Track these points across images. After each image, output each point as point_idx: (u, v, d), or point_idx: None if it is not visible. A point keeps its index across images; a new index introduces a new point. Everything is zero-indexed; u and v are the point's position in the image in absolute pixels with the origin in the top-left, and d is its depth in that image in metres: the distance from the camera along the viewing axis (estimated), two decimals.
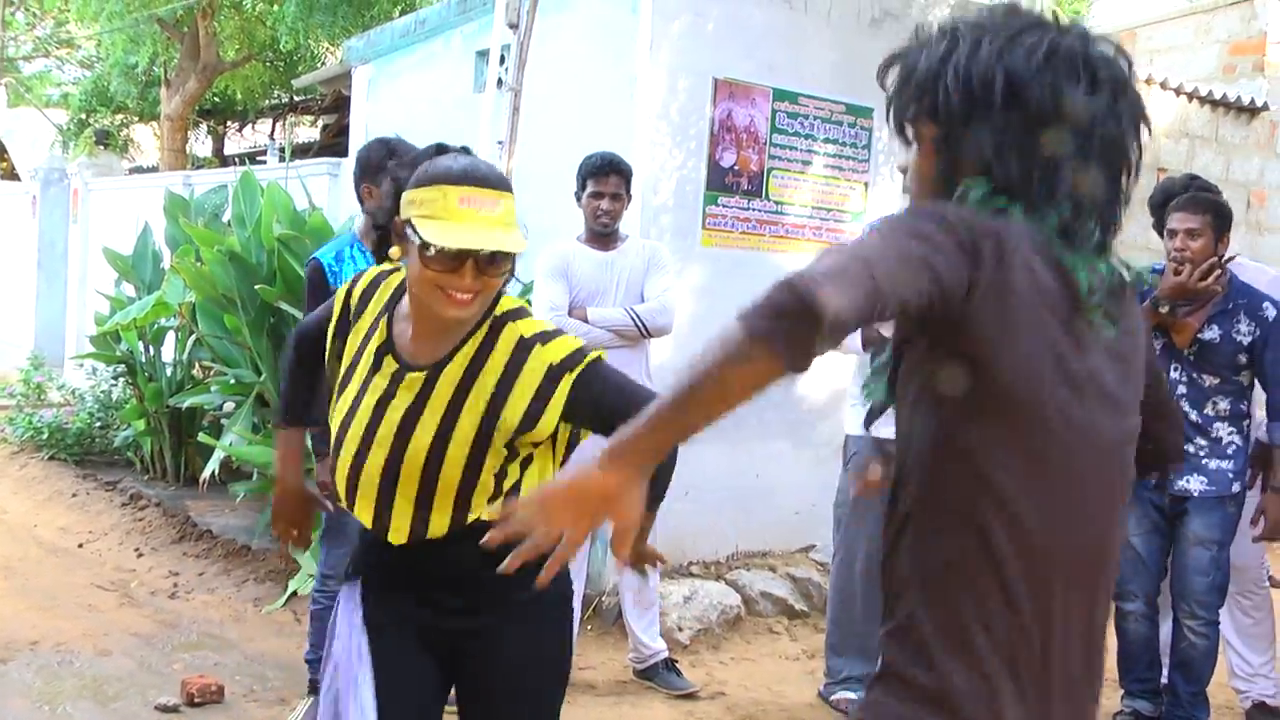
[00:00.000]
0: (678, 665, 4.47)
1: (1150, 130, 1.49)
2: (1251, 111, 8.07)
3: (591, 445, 1.84)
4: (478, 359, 2.04)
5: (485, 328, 2.06)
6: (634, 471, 1.34)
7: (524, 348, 2.04)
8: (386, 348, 2.09)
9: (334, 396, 2.16)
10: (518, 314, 2.10)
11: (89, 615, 4.94)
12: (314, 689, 3.80)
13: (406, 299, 2.10)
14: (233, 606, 5.16)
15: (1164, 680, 4.03)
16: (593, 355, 2.06)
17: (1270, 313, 3.80)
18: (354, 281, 2.20)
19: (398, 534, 2.06)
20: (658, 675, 4.39)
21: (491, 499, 2.03)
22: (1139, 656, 3.99)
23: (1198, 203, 3.85)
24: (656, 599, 4.53)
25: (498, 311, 2.08)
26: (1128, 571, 3.90)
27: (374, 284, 2.18)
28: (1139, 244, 7.36)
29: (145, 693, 4.10)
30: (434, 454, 2.00)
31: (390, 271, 2.18)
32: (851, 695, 4.14)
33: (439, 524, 2.03)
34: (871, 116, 5.77)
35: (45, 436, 8.02)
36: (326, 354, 2.24)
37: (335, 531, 3.78)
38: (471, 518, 2.02)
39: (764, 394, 1.26)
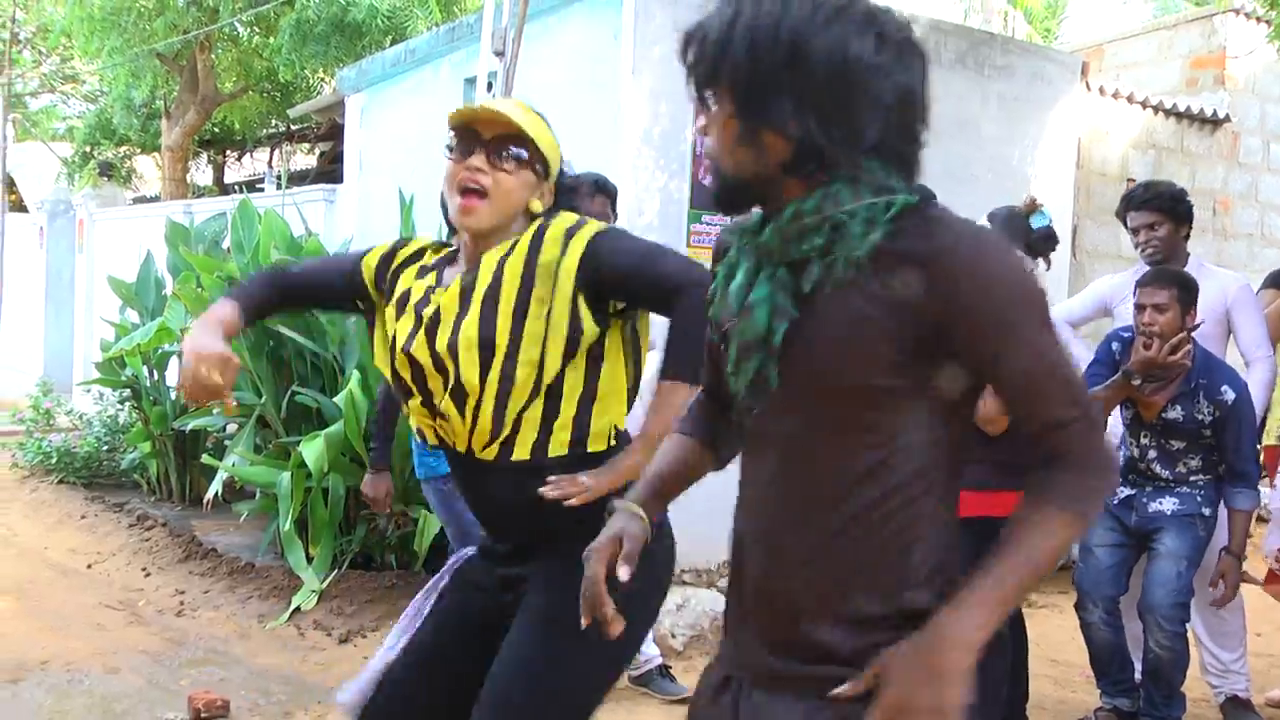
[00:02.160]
0: (672, 671, 4.53)
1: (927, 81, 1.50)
2: (1214, 123, 8.27)
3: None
4: (510, 256, 2.04)
5: (525, 233, 2.06)
6: (976, 642, 1.35)
7: (540, 231, 2.04)
8: (433, 281, 2.14)
9: (385, 335, 2.19)
10: (554, 215, 2.08)
11: (98, 634, 5.04)
12: None
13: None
14: (238, 623, 5.27)
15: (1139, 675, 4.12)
16: (595, 227, 2.04)
17: (1229, 396, 3.84)
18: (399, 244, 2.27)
19: (462, 439, 2.08)
20: (652, 681, 4.45)
21: (548, 406, 2.04)
22: (1109, 660, 4.07)
23: (1162, 276, 3.87)
24: None
25: (536, 225, 2.06)
26: (1088, 580, 4.00)
27: (420, 251, 2.25)
28: (1110, 252, 7.53)
29: (153, 709, 4.17)
30: (484, 352, 2.01)
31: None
32: None
33: (486, 416, 2.03)
34: None
35: (54, 461, 8.18)
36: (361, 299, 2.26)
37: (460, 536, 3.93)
38: (515, 407, 2.03)
39: None
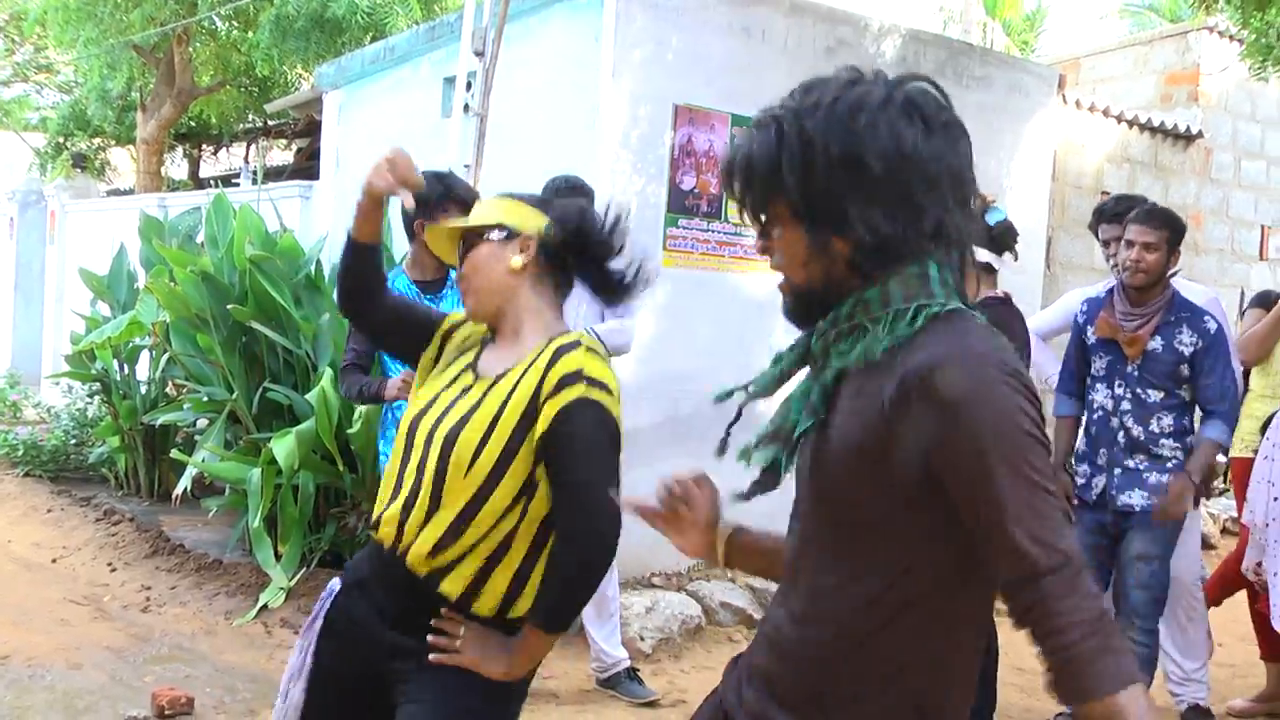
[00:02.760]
0: (639, 674, 4.54)
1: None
2: (1187, 139, 8.37)
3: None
4: (527, 374, 2.07)
5: (548, 349, 2.07)
6: None
7: (555, 359, 2.05)
8: (470, 359, 2.20)
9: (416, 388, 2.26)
10: (579, 347, 2.07)
11: (61, 629, 4.99)
12: None
13: None
14: (204, 620, 5.23)
15: None
16: (584, 392, 2.02)
17: (1212, 325, 3.94)
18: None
19: (413, 539, 2.06)
20: (620, 684, 4.46)
21: (495, 525, 2.04)
22: None
23: (1156, 216, 3.99)
24: (618, 609, 4.61)
25: (566, 342, 2.07)
26: None
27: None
28: (1084, 263, 7.59)
29: (116, 705, 4.14)
30: (476, 452, 2.02)
31: None
32: None
33: (440, 528, 2.04)
34: None
35: (21, 453, 8.09)
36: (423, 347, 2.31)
37: None
38: (471, 538, 2.03)
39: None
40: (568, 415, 2.00)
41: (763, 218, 1.51)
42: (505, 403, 2.04)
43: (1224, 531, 7.49)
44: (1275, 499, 3.89)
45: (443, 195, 3.73)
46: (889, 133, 1.41)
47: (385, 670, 2.10)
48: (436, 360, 2.28)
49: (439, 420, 2.09)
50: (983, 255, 3.70)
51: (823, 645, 1.46)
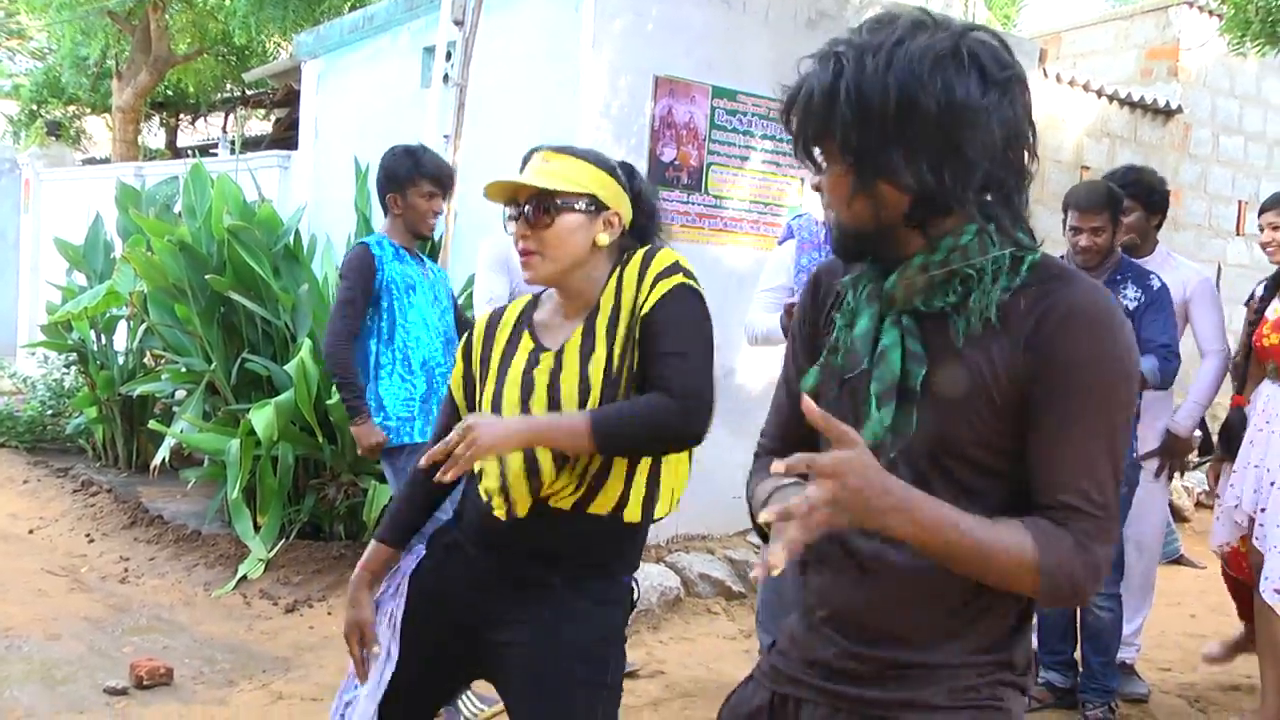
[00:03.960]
0: None
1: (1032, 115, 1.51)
2: (1167, 114, 8.40)
3: None
4: (592, 318, 2.10)
5: (633, 261, 2.10)
6: (892, 527, 1.31)
7: (620, 276, 2.09)
8: (524, 332, 2.19)
9: (478, 394, 2.22)
10: (664, 248, 2.13)
11: (39, 600, 4.99)
12: None
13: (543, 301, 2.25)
14: (183, 590, 5.23)
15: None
16: (683, 280, 2.07)
17: (1155, 282, 4.01)
18: (472, 330, 2.31)
19: (521, 503, 2.07)
20: None
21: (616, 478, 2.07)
22: (1054, 627, 4.19)
23: (1096, 199, 4.02)
24: None
25: (648, 249, 2.12)
26: None
27: (496, 316, 2.28)
28: (1063, 239, 7.62)
29: (94, 675, 4.14)
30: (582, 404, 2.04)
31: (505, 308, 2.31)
32: None
33: (563, 489, 2.06)
34: None
35: None
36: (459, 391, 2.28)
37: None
38: (584, 494, 2.06)
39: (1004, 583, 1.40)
40: (671, 298, 2.04)
41: (816, 153, 1.50)
42: (610, 335, 2.07)
43: (1198, 505, 7.57)
44: (1272, 484, 3.88)
45: (411, 169, 3.85)
46: (946, 82, 1.40)
47: (470, 606, 2.14)
48: (468, 374, 2.26)
49: (531, 385, 2.09)
50: None
51: (934, 571, 1.44)
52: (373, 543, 2.26)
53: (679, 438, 2.03)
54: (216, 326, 6.01)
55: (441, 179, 3.94)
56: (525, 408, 2.08)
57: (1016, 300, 1.43)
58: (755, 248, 5.85)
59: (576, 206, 2.09)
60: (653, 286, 2.05)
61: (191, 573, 5.44)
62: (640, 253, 2.11)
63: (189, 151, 11.08)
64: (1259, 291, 4.04)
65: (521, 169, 2.21)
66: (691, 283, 2.08)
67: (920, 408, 1.46)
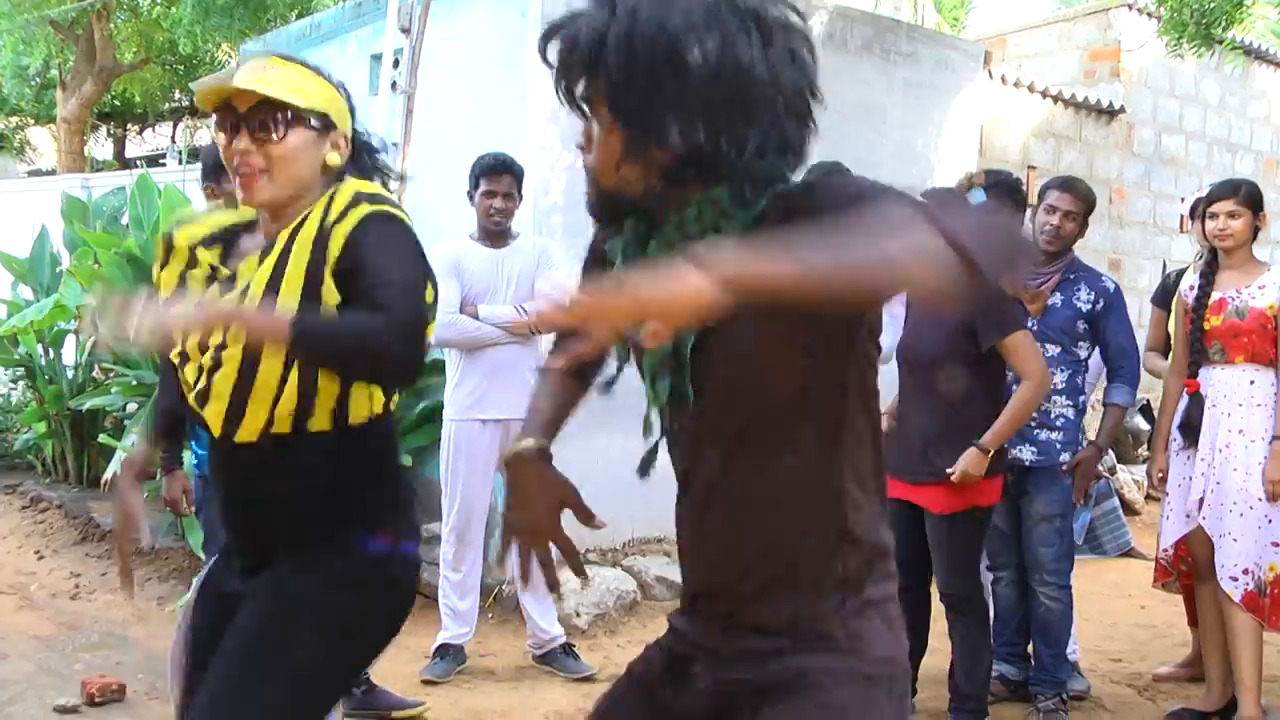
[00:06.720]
0: (575, 650, 4.56)
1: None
2: (1110, 114, 8.54)
3: None
4: (297, 231, 1.89)
5: (321, 198, 1.91)
6: (730, 292, 1.07)
7: (330, 198, 1.90)
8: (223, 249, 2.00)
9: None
10: (348, 179, 1.94)
11: None
12: None
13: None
14: (135, 606, 5.15)
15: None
16: (372, 208, 1.87)
17: (1109, 284, 4.11)
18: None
19: (248, 430, 1.89)
20: (556, 660, 4.48)
21: (301, 406, 1.87)
22: (1008, 620, 4.23)
23: (1076, 185, 4.15)
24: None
25: (328, 193, 1.91)
26: (997, 545, 4.15)
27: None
28: None
29: (44, 694, 4.07)
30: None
31: None
32: None
33: (263, 419, 1.88)
34: None
35: None
36: None
37: (211, 540, 3.84)
38: (288, 421, 1.88)
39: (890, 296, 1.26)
40: (364, 229, 1.84)
41: (584, 109, 1.38)
42: (283, 258, 1.87)
43: (1148, 498, 7.68)
44: (1219, 483, 3.92)
45: (216, 162, 3.65)
46: (722, 40, 1.28)
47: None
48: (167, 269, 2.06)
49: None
50: None
51: (776, 527, 1.45)
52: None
53: (375, 362, 1.82)
54: None
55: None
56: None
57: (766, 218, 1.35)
58: None
59: (311, 123, 1.91)
60: (339, 218, 1.86)
61: (144, 588, 5.37)
62: (352, 182, 1.93)
63: (137, 162, 10.96)
64: (1195, 281, 4.10)
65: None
66: (384, 208, 1.89)
67: (706, 370, 1.40)
